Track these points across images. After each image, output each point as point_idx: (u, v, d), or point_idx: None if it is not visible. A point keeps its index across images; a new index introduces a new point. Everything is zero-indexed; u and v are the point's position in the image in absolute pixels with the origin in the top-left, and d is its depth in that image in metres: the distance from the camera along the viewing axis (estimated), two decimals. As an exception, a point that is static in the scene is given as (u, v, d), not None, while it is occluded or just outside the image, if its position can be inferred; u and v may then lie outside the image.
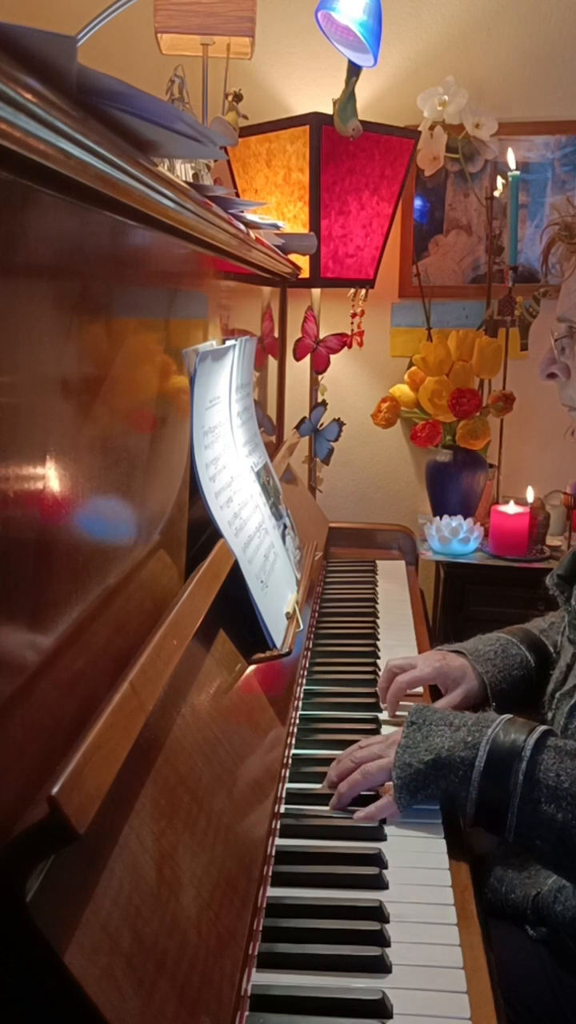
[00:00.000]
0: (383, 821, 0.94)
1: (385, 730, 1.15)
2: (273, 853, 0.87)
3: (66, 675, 0.58)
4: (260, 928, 0.77)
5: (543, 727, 0.92)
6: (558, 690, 1.07)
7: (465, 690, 1.16)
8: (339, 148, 2.02)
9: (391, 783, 0.94)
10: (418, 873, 0.87)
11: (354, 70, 1.80)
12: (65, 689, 0.57)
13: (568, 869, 0.90)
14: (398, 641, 1.49)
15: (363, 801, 0.96)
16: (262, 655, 1.02)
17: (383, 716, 1.19)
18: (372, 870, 0.86)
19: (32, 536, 0.53)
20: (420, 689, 1.23)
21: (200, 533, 1.00)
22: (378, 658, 1.40)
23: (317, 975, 0.73)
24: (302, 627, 1.19)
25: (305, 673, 1.30)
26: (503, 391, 2.27)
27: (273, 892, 0.82)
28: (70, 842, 0.47)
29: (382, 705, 1.21)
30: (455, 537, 2.15)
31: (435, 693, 1.21)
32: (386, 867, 0.87)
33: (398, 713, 1.18)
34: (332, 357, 2.24)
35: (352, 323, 2.29)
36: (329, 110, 1.90)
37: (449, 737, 0.93)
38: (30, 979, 0.48)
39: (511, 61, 2.33)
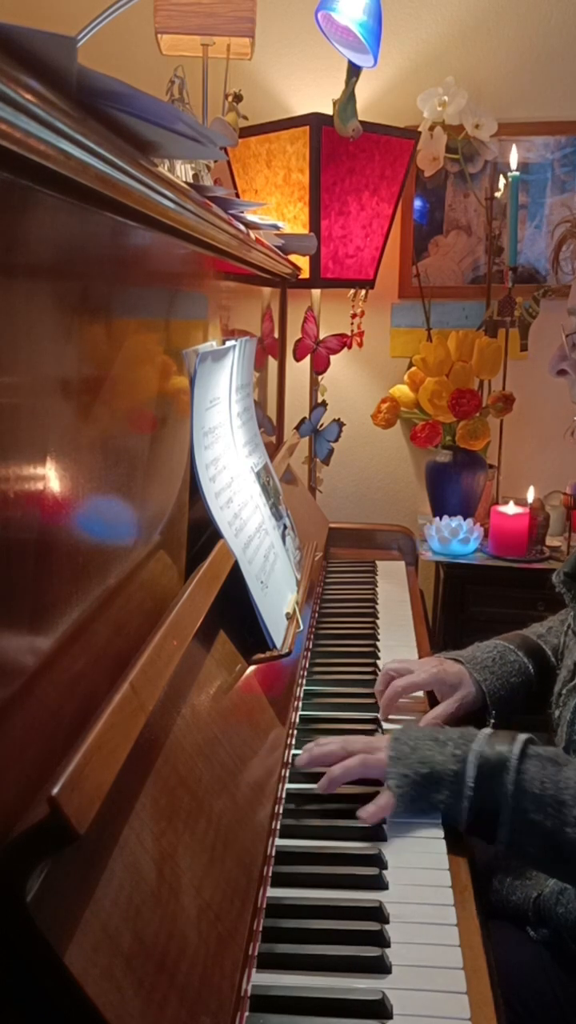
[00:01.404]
0: (383, 821, 0.94)
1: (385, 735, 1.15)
2: (273, 853, 0.87)
3: (66, 675, 0.58)
4: (260, 928, 0.77)
5: (524, 736, 0.93)
6: (565, 687, 1.07)
7: (462, 696, 1.16)
8: (339, 149, 2.03)
9: (389, 786, 0.94)
10: (418, 873, 0.87)
11: (354, 70, 1.80)
12: (65, 689, 0.57)
13: (561, 872, 0.91)
14: (398, 642, 1.49)
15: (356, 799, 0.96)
16: (262, 655, 1.02)
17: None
18: (372, 870, 0.86)
19: (32, 536, 0.53)
20: (421, 694, 1.22)
21: (200, 533, 1.00)
22: (378, 659, 1.40)
23: (317, 975, 0.73)
24: (302, 627, 1.19)
25: (305, 674, 1.30)
26: (503, 392, 2.27)
27: (273, 892, 0.82)
28: (70, 842, 0.47)
29: (379, 705, 1.20)
30: (455, 537, 2.15)
31: (433, 700, 1.21)
32: (386, 867, 0.87)
33: (392, 717, 1.18)
34: (332, 358, 2.24)
35: (352, 324, 2.29)
36: (329, 110, 1.90)
37: (439, 751, 0.93)
38: (30, 979, 0.48)
39: (511, 61, 2.33)
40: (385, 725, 1.17)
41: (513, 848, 0.89)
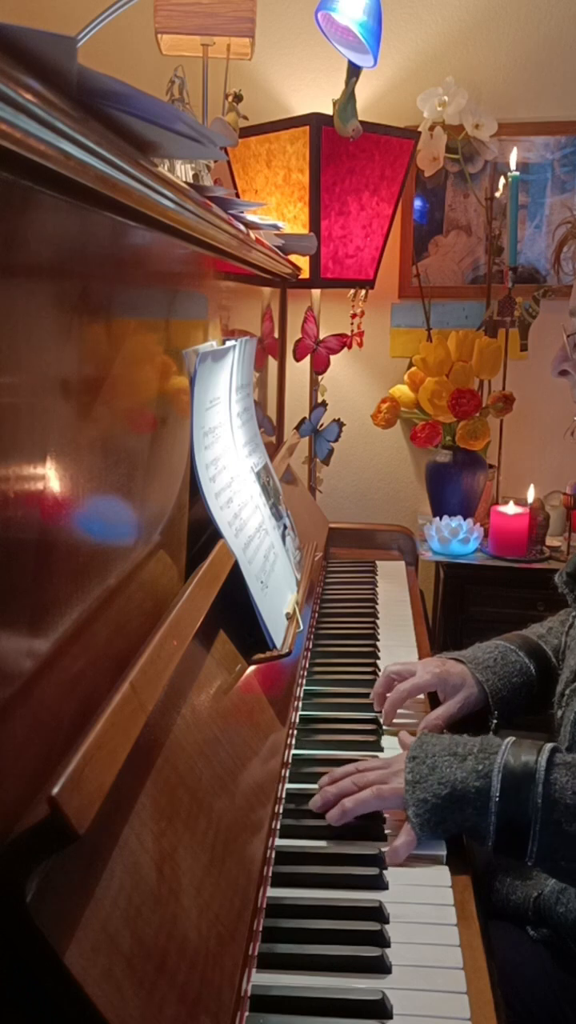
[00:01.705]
0: (383, 821, 0.94)
1: (385, 735, 1.15)
2: (273, 854, 0.87)
3: (66, 675, 0.58)
4: (260, 928, 0.77)
5: (549, 745, 0.90)
6: (568, 687, 1.07)
7: (464, 697, 1.15)
8: (339, 149, 2.03)
9: (407, 815, 0.90)
10: (418, 873, 0.87)
11: (354, 71, 1.80)
12: (65, 689, 0.57)
13: None
14: (398, 642, 1.49)
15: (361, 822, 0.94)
16: (262, 655, 1.02)
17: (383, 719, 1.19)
18: (372, 870, 0.86)
19: (33, 536, 0.53)
20: (421, 696, 1.22)
21: (200, 533, 1.00)
22: (378, 658, 1.40)
23: (317, 975, 0.73)
24: (302, 627, 1.19)
25: (305, 674, 1.30)
26: (503, 392, 2.27)
27: (273, 892, 0.82)
28: (70, 842, 0.47)
29: (376, 710, 1.19)
30: (455, 537, 2.15)
31: (434, 700, 1.21)
32: (386, 867, 0.87)
33: (396, 721, 1.18)
34: (332, 358, 2.24)
35: (352, 324, 2.29)
36: (329, 110, 1.90)
37: (459, 767, 0.90)
38: (30, 979, 0.48)
39: (511, 62, 2.33)
40: (385, 727, 1.17)
41: (545, 863, 0.86)
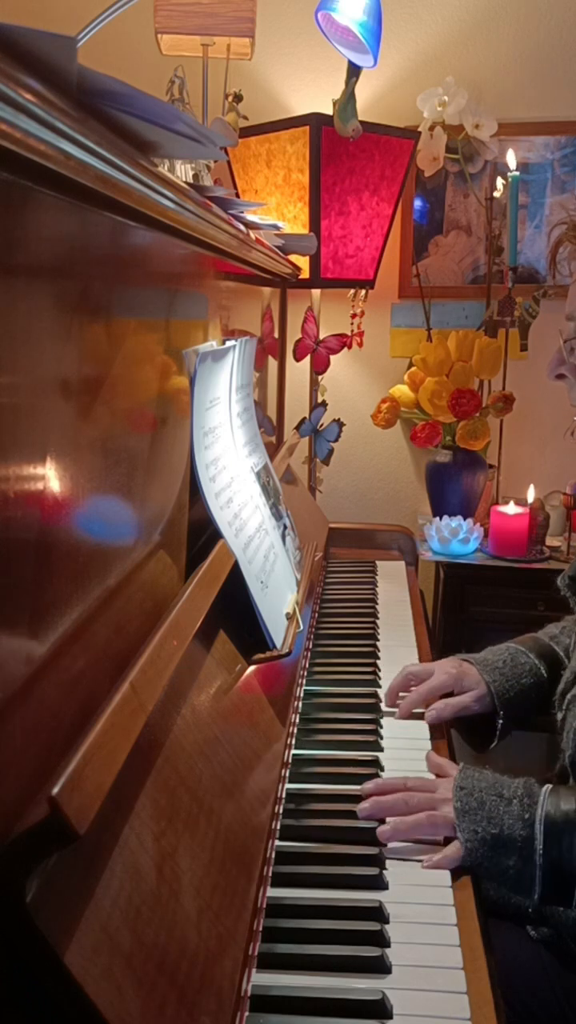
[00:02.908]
0: (382, 820, 0.94)
1: (386, 732, 1.15)
2: (273, 854, 0.87)
3: (66, 675, 0.58)
4: (260, 928, 0.77)
5: None
6: (568, 691, 1.07)
7: (479, 695, 1.18)
8: (339, 149, 2.03)
9: (459, 839, 0.89)
10: (418, 873, 0.87)
11: (354, 71, 1.80)
12: (65, 689, 0.57)
13: None
14: (398, 642, 1.49)
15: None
16: (262, 655, 1.02)
17: (384, 718, 1.19)
18: (372, 870, 0.86)
19: (32, 537, 0.53)
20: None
21: (200, 533, 1.00)
22: (378, 658, 1.40)
23: (317, 975, 0.73)
24: (302, 627, 1.19)
25: (305, 674, 1.30)
26: (503, 392, 2.27)
27: (273, 892, 0.82)
28: (70, 842, 0.47)
29: (387, 704, 1.20)
30: (455, 537, 2.15)
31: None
32: (385, 867, 0.87)
33: (403, 721, 1.19)
34: (332, 358, 2.24)
35: (352, 324, 2.29)
36: (329, 110, 1.90)
37: (506, 811, 0.89)
38: (30, 979, 0.48)
39: (511, 62, 2.33)
40: (384, 728, 1.17)
41: None
